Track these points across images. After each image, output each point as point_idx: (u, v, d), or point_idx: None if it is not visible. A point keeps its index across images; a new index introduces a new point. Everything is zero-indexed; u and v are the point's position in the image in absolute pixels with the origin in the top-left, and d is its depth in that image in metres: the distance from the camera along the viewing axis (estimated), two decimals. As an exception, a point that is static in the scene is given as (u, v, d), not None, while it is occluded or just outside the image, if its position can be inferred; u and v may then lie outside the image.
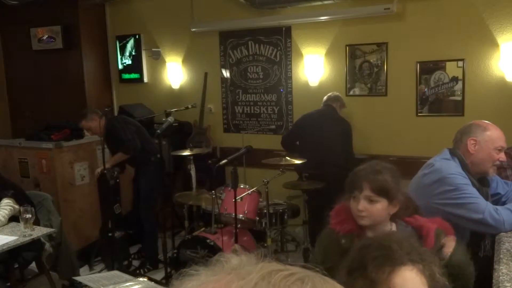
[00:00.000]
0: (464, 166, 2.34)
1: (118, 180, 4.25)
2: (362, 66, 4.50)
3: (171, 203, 4.61)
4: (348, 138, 4.26)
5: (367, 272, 1.13)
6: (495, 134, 2.35)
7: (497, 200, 2.51)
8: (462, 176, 2.29)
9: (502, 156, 2.34)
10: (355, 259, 1.21)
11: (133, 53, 5.67)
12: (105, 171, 4.12)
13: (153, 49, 5.39)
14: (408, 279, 1.10)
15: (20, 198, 3.37)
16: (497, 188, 2.53)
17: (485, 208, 2.19)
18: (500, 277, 1.71)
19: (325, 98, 4.33)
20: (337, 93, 4.38)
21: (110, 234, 4.12)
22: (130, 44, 5.67)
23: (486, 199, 2.31)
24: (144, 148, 4.25)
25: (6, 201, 3.23)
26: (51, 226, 3.55)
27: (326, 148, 4.10)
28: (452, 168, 2.32)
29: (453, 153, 2.39)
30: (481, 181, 2.39)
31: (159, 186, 4.31)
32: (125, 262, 4.25)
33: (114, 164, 4.25)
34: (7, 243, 2.84)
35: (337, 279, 1.19)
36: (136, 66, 5.68)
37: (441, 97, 4.21)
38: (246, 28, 4.97)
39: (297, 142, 4.38)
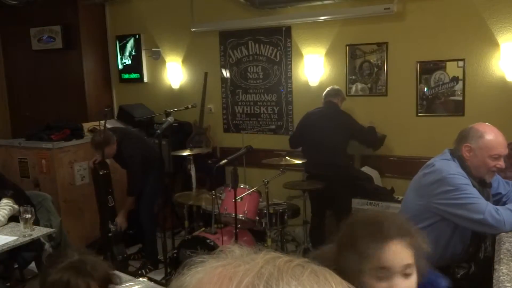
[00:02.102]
0: (464, 167, 2.33)
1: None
2: (362, 66, 4.49)
3: (171, 203, 4.61)
4: (356, 131, 4.19)
5: (357, 247, 1.20)
6: (492, 142, 2.29)
7: (498, 200, 2.51)
8: (462, 176, 2.28)
9: (499, 164, 2.29)
10: (345, 235, 1.27)
11: (133, 53, 5.67)
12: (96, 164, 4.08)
13: (153, 49, 5.39)
14: (397, 253, 1.18)
15: (20, 198, 3.37)
16: (498, 187, 2.53)
17: (486, 209, 2.18)
18: (501, 277, 1.71)
19: (324, 93, 4.27)
20: (337, 87, 4.32)
21: (110, 234, 4.11)
22: (130, 44, 5.66)
23: (487, 199, 2.31)
24: (146, 157, 4.24)
25: (5, 201, 3.23)
26: (51, 226, 3.55)
27: (326, 149, 4.09)
28: (452, 169, 2.31)
29: (453, 154, 2.39)
30: (482, 182, 2.38)
31: (159, 187, 4.31)
32: (120, 257, 4.20)
33: (128, 210, 4.20)
34: (7, 243, 2.84)
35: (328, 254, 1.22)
36: (136, 66, 5.68)
37: (441, 97, 4.21)
38: (246, 28, 4.96)
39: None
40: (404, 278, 1.19)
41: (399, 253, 1.18)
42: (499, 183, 2.54)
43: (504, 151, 2.31)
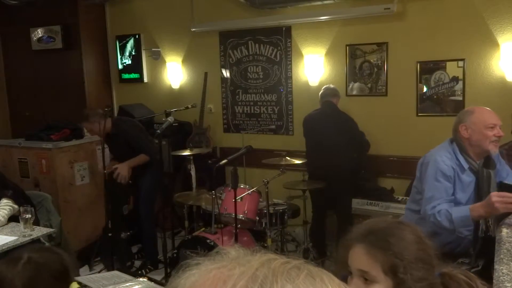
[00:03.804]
0: (463, 150, 2.46)
1: (131, 181, 4.18)
2: (362, 66, 4.49)
3: (171, 203, 4.61)
4: (354, 133, 4.19)
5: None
6: (482, 115, 2.45)
7: None
8: (444, 164, 2.41)
9: (497, 132, 2.42)
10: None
11: (133, 53, 5.67)
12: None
13: (153, 49, 5.39)
14: (354, 257, 1.26)
15: (20, 198, 3.36)
16: (507, 178, 2.60)
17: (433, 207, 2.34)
18: (501, 277, 1.70)
19: (321, 93, 4.25)
20: (332, 86, 4.29)
21: (110, 234, 4.11)
22: (130, 44, 5.66)
23: (488, 181, 2.41)
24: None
25: (5, 201, 3.23)
26: (50, 226, 3.55)
27: (326, 150, 4.07)
28: (439, 153, 2.46)
29: (452, 140, 2.52)
30: (486, 163, 2.47)
31: (159, 186, 4.31)
32: (128, 263, 4.23)
33: (135, 165, 4.18)
34: (7, 243, 2.83)
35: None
36: (136, 66, 5.67)
37: (441, 97, 4.21)
38: (246, 28, 4.96)
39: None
40: (363, 282, 1.22)
41: (356, 257, 1.24)
42: (508, 174, 2.61)
43: (497, 120, 2.45)
